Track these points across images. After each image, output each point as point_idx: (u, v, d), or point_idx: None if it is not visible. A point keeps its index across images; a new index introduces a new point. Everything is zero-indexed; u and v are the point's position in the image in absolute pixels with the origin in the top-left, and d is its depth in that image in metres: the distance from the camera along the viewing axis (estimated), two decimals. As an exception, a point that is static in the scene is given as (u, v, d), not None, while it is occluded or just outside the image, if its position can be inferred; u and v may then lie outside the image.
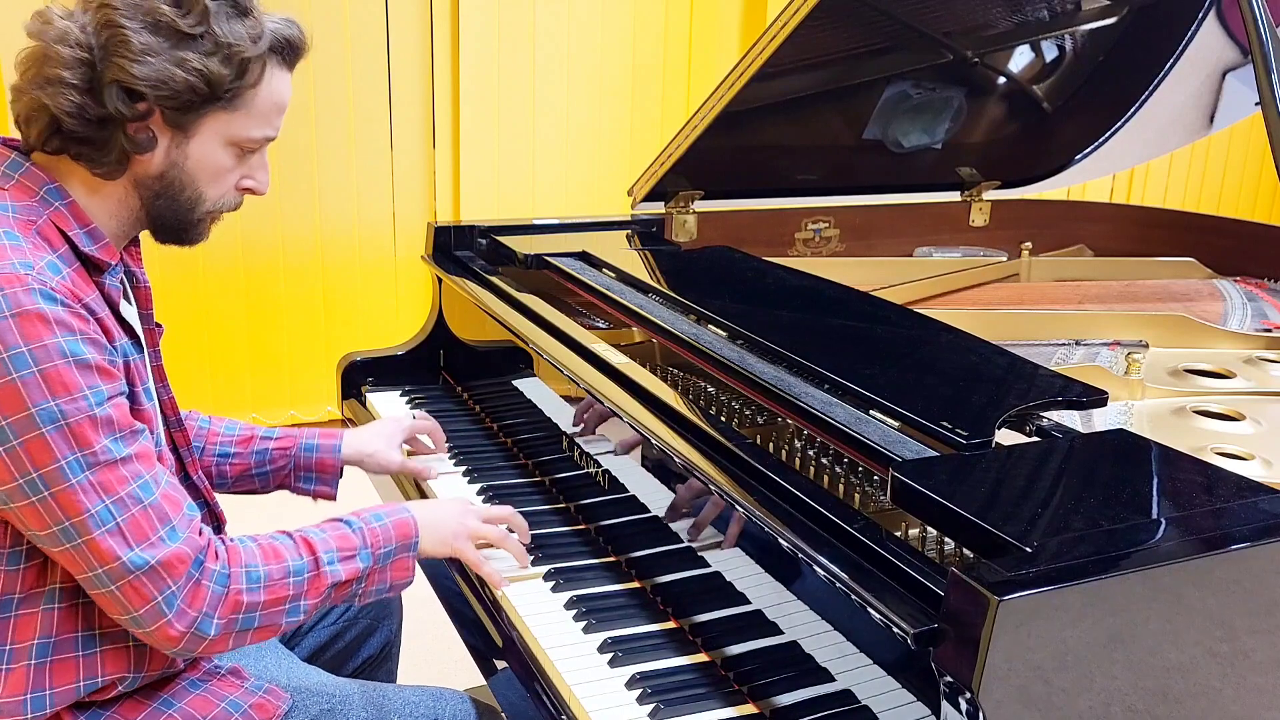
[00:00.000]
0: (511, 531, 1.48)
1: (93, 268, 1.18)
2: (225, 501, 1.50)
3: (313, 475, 1.64)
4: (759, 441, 1.38)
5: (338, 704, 1.33)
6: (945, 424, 1.22)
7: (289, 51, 1.22)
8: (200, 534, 1.17)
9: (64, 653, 1.18)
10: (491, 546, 1.46)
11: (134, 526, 1.11)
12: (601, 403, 1.53)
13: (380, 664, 1.72)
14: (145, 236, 1.29)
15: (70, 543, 1.09)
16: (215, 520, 1.42)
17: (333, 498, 1.67)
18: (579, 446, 1.66)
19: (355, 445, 1.67)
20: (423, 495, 1.73)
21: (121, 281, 1.26)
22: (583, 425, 1.64)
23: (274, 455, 1.62)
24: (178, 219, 1.24)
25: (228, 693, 1.28)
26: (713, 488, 1.28)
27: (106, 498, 1.10)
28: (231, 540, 1.23)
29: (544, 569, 1.48)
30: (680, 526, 1.40)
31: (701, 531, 1.35)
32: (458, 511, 1.43)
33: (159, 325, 1.36)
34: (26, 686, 1.16)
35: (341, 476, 1.66)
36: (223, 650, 1.20)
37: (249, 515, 2.02)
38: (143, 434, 1.16)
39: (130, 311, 1.27)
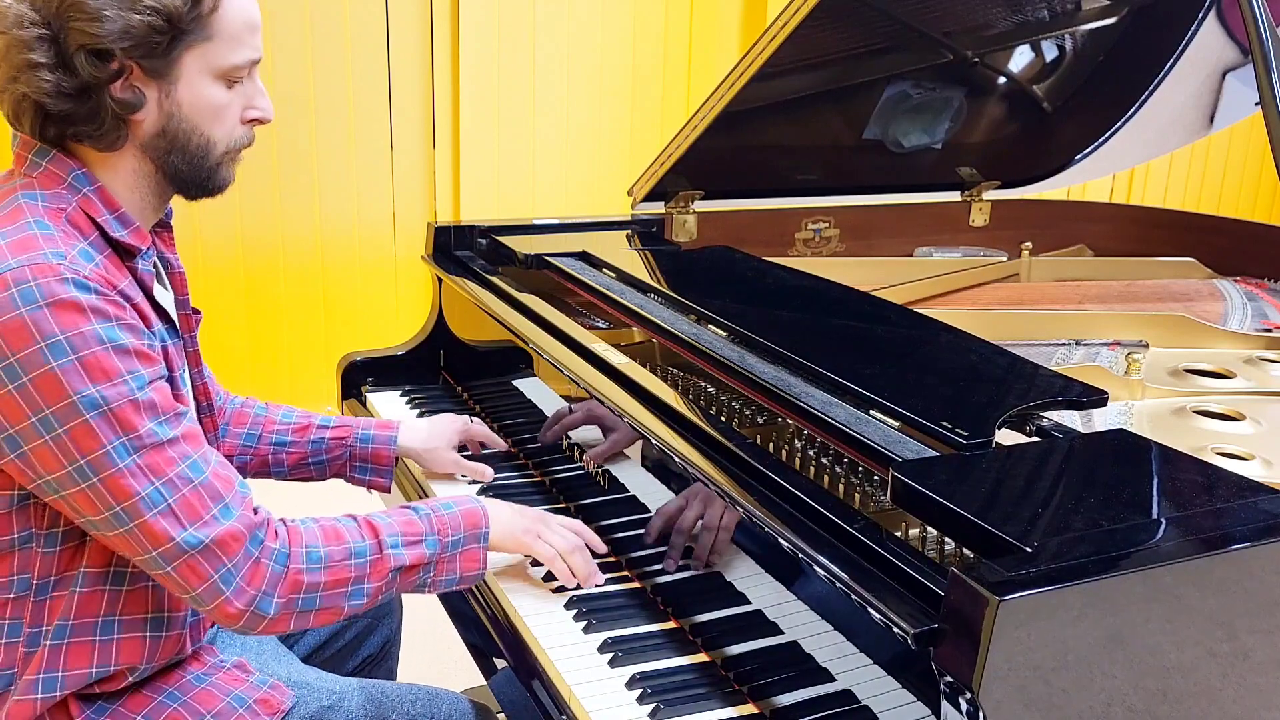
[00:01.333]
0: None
1: (124, 253, 1.18)
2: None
3: (368, 465, 1.65)
4: (759, 441, 1.38)
5: (337, 700, 1.33)
6: (945, 424, 1.22)
7: None
8: (256, 512, 1.18)
9: (82, 635, 1.18)
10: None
11: (185, 506, 1.11)
12: (603, 403, 1.53)
13: (380, 663, 1.72)
14: (178, 224, 1.28)
15: (123, 527, 1.10)
16: None
17: (387, 489, 1.68)
18: (579, 446, 1.66)
19: (412, 439, 1.69)
20: (423, 496, 1.73)
21: (155, 266, 1.26)
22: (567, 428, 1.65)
23: (330, 444, 1.63)
24: (196, 170, 1.22)
25: (233, 687, 1.28)
26: (713, 488, 1.28)
27: (156, 480, 1.10)
28: (292, 521, 1.22)
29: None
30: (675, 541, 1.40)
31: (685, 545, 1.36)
32: (534, 515, 1.43)
33: (197, 311, 1.36)
34: (41, 666, 1.16)
35: (395, 467, 1.67)
36: (284, 630, 1.20)
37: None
38: (186, 415, 1.16)
39: (166, 297, 1.27)
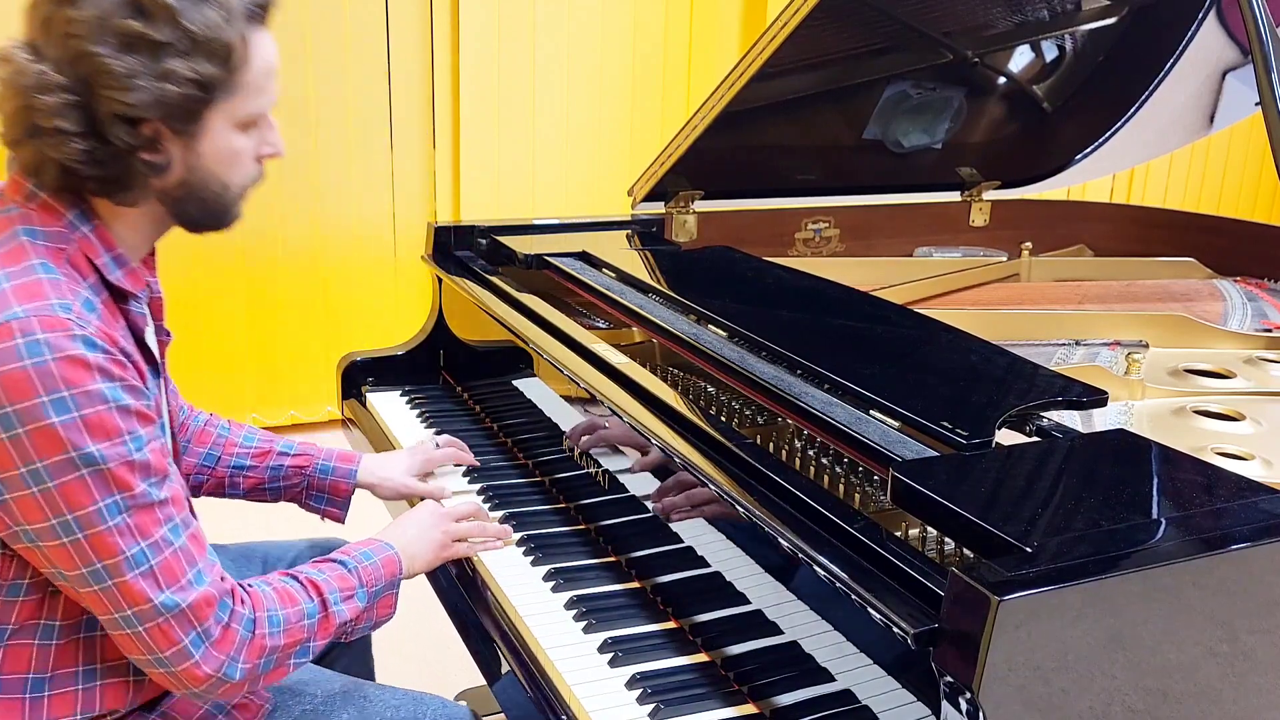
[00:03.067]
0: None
1: (119, 295, 1.16)
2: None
3: (324, 496, 1.65)
4: (759, 441, 1.38)
5: (320, 705, 1.33)
6: (945, 424, 1.22)
7: (259, 11, 1.15)
8: (223, 579, 1.18)
9: (63, 686, 1.17)
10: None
11: (166, 569, 1.11)
12: (605, 404, 1.53)
13: (356, 652, 1.71)
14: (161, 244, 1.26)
15: (100, 584, 1.09)
16: None
17: (341, 520, 1.68)
18: (587, 453, 1.66)
19: (371, 473, 1.67)
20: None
21: (147, 305, 1.25)
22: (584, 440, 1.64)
23: (289, 472, 1.62)
24: (210, 213, 1.20)
25: None
26: (713, 487, 1.28)
27: (142, 540, 1.09)
28: (250, 586, 1.22)
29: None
30: (658, 505, 1.40)
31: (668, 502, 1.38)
32: (430, 525, 1.48)
33: (168, 333, 1.35)
34: (17, 718, 1.15)
35: (350, 500, 1.67)
36: (239, 694, 1.20)
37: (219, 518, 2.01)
38: (172, 477, 1.15)
39: (153, 337, 1.26)
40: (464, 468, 1.78)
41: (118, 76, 1.05)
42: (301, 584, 1.27)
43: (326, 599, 1.27)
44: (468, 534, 1.51)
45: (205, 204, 1.19)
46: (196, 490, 1.60)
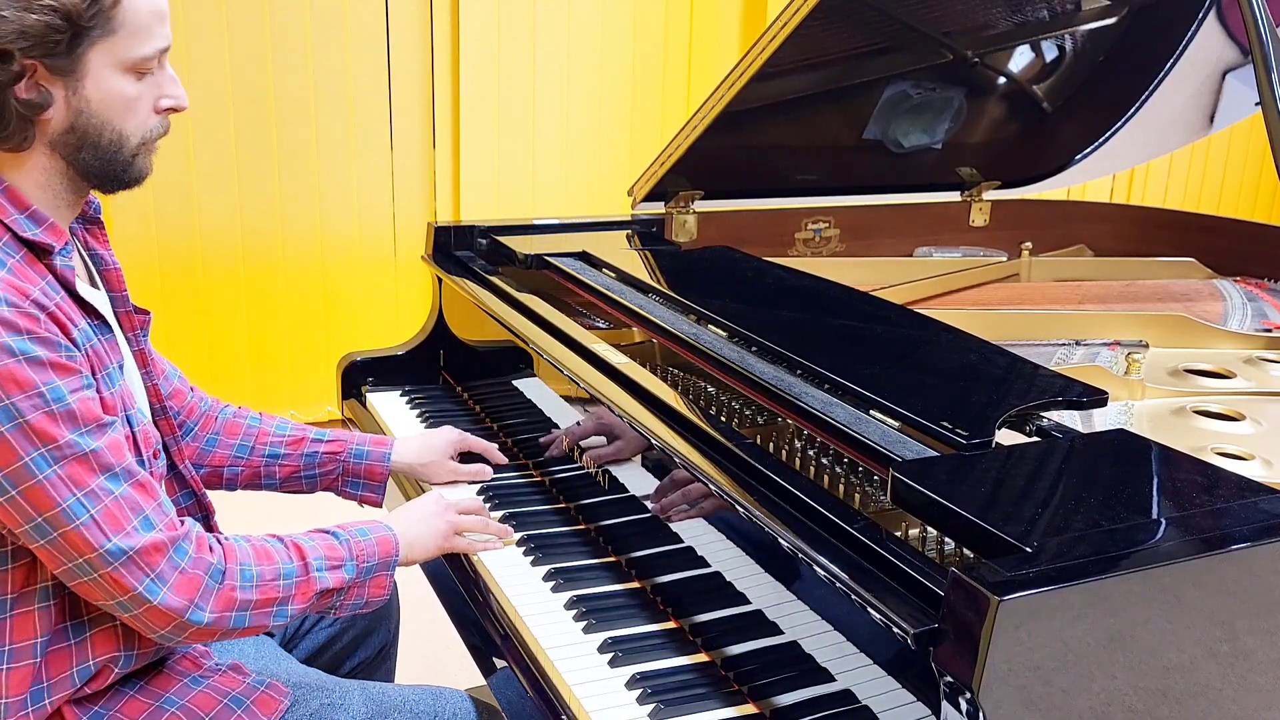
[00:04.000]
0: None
1: (40, 251, 1.16)
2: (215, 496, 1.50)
3: (360, 481, 1.65)
4: (759, 441, 1.38)
5: (337, 699, 1.34)
6: (945, 424, 1.22)
7: None
8: (180, 524, 1.18)
9: (57, 643, 1.19)
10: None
11: (108, 517, 1.11)
12: (605, 404, 1.53)
13: (377, 666, 1.72)
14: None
15: (45, 538, 1.10)
16: (203, 511, 1.42)
17: (378, 504, 1.68)
18: (579, 446, 1.66)
19: (406, 456, 1.68)
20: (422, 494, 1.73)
21: (79, 261, 1.24)
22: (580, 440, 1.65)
23: (323, 459, 1.63)
24: (109, 165, 1.19)
25: (230, 689, 1.28)
26: (713, 487, 1.28)
27: (78, 491, 1.10)
28: (226, 538, 1.23)
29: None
30: (660, 505, 1.40)
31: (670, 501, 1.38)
32: (434, 513, 1.48)
33: (144, 311, 1.35)
34: (28, 685, 1.16)
35: (387, 484, 1.67)
36: (207, 641, 1.21)
37: (235, 510, 2.02)
38: (111, 426, 1.15)
39: (93, 294, 1.25)
40: (453, 458, 1.78)
41: None
42: (285, 545, 1.28)
43: (309, 563, 1.27)
44: (470, 528, 1.51)
45: (101, 153, 1.18)
46: (232, 483, 1.60)
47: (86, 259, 1.29)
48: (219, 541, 1.22)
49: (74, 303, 1.18)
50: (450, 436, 1.74)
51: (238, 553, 1.22)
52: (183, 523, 1.19)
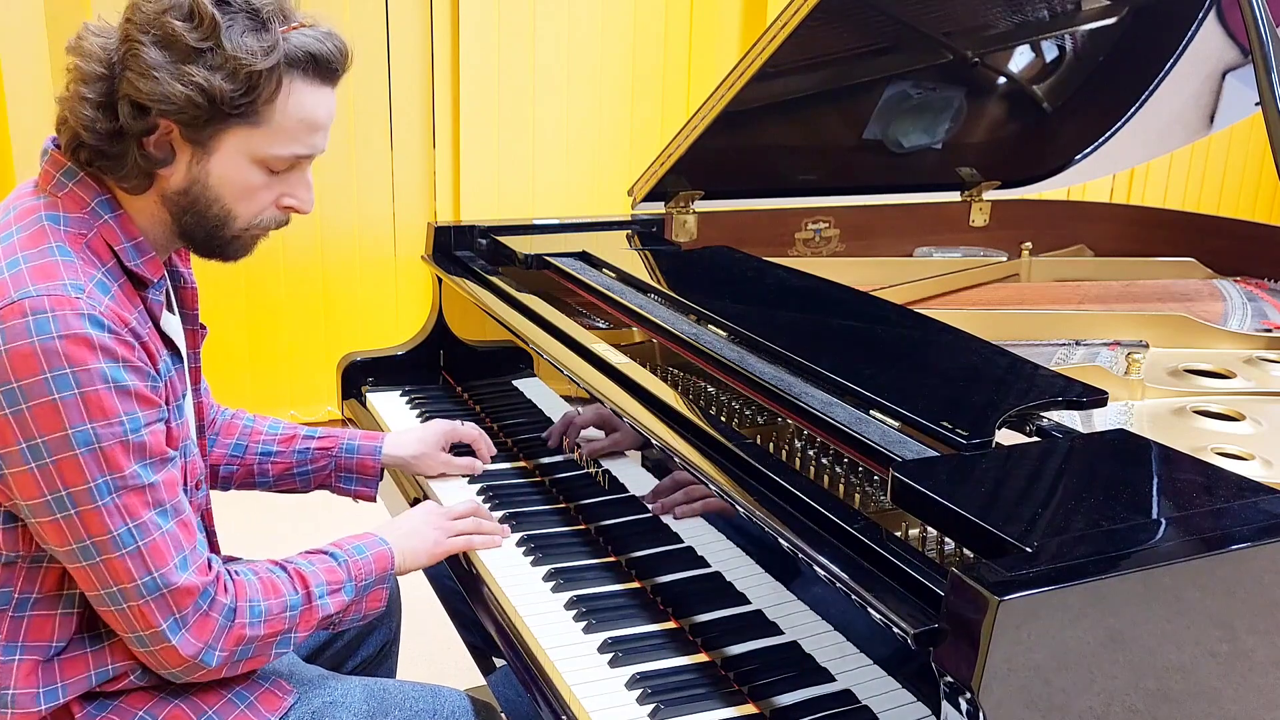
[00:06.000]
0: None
1: (138, 282, 1.20)
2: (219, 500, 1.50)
3: (353, 476, 1.66)
4: (759, 441, 1.38)
5: (339, 697, 1.34)
6: (945, 424, 1.22)
7: (314, 66, 1.18)
8: (209, 568, 1.20)
9: (75, 650, 1.20)
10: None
11: (154, 551, 1.14)
12: (603, 403, 1.53)
13: (379, 664, 1.72)
14: None
15: (88, 560, 1.12)
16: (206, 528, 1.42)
17: (373, 499, 1.69)
18: (579, 445, 1.66)
19: (397, 449, 1.69)
20: (424, 494, 1.73)
21: (166, 293, 1.28)
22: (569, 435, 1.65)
23: (315, 455, 1.64)
24: (209, 237, 1.24)
25: (234, 684, 1.29)
26: (713, 488, 1.28)
27: (130, 521, 1.12)
28: (236, 574, 1.24)
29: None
30: (658, 505, 1.40)
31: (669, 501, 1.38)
32: (427, 522, 1.49)
33: (203, 327, 1.39)
34: (38, 681, 1.18)
35: (381, 478, 1.68)
36: (215, 678, 1.22)
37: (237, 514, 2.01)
38: (172, 462, 1.18)
39: (172, 323, 1.29)
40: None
41: (142, 64, 1.12)
42: (289, 575, 1.28)
43: (312, 592, 1.28)
44: (464, 531, 1.51)
45: (204, 223, 1.22)
46: (227, 482, 1.62)
47: (168, 286, 1.32)
48: (231, 578, 1.23)
49: (156, 336, 1.22)
50: (441, 428, 1.74)
51: (247, 589, 1.23)
52: (210, 565, 1.20)
